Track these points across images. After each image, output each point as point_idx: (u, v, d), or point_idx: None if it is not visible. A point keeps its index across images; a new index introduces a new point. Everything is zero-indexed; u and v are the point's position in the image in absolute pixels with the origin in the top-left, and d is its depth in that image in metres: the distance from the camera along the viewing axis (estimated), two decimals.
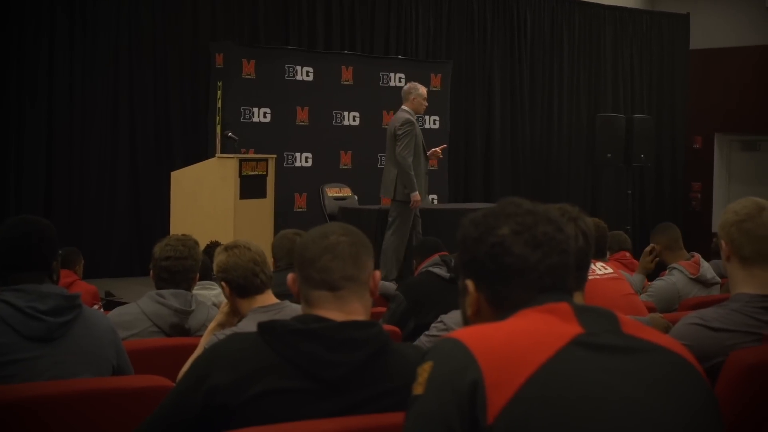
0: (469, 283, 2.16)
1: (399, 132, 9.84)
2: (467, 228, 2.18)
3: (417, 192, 9.79)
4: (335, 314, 2.57)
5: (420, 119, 13.77)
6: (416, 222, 10.19)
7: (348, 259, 2.62)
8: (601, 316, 2.07)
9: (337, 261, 2.60)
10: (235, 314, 4.25)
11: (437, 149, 10.45)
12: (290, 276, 2.70)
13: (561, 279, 2.12)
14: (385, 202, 10.50)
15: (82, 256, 8.41)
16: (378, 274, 2.71)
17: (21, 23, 11.39)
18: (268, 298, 4.20)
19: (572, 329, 1.99)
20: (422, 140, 10.08)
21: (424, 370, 1.95)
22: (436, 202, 13.52)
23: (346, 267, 2.61)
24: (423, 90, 10.14)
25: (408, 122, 9.88)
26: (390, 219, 10.07)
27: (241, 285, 4.16)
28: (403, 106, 10.09)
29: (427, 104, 10.22)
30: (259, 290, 4.17)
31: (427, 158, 10.23)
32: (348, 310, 2.60)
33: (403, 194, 9.87)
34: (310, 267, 2.61)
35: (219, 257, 4.27)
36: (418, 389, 1.95)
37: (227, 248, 4.28)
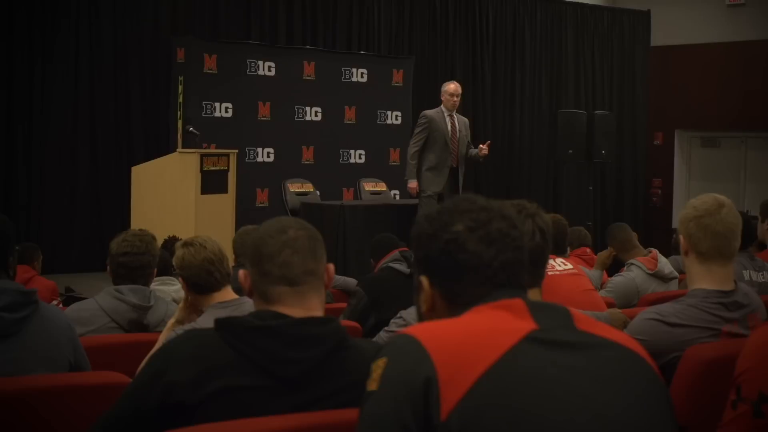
0: (424, 280, 2.16)
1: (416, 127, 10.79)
2: (422, 224, 2.17)
3: (412, 180, 10.65)
4: (296, 310, 2.55)
5: (383, 115, 13.87)
6: None
7: (308, 253, 2.61)
8: (555, 312, 2.08)
9: (298, 255, 2.59)
10: (194, 310, 4.23)
11: (483, 146, 10.71)
12: (242, 272, 2.68)
13: (515, 275, 2.12)
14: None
15: (41, 251, 8.34)
16: (332, 267, 2.71)
17: None
18: (227, 294, 4.19)
19: (526, 325, 2.00)
20: (448, 135, 10.57)
21: (378, 366, 1.95)
22: (398, 197, 13.52)
23: (307, 261, 2.60)
24: (448, 87, 10.79)
25: (422, 117, 10.77)
26: None
27: (197, 283, 4.16)
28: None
29: (454, 99, 10.70)
30: (215, 288, 4.16)
31: (450, 153, 10.58)
32: (308, 305, 2.59)
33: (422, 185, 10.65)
34: (269, 262, 2.59)
35: (177, 252, 4.27)
36: (371, 385, 1.95)
37: (185, 244, 4.27)
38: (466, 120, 10.96)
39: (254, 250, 2.64)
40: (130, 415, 2.50)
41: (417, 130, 10.69)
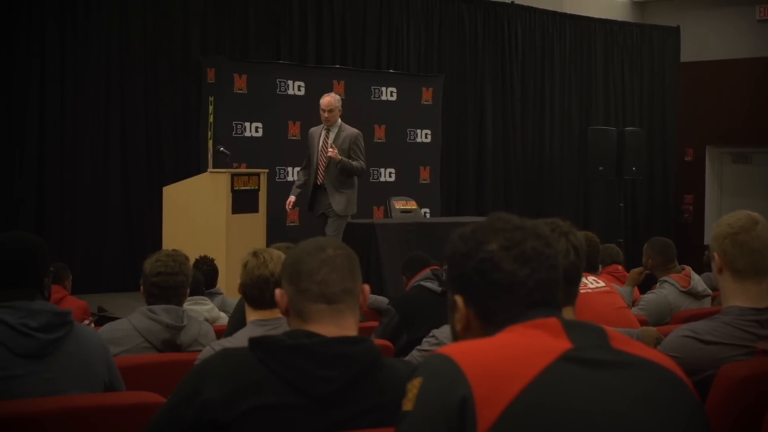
0: (458, 299, 2.16)
1: None
2: (456, 243, 2.17)
3: (290, 197, 10.57)
4: (331, 328, 2.57)
5: (413, 133, 13.85)
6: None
7: (346, 272, 2.64)
8: (590, 331, 2.07)
9: (336, 274, 2.62)
10: None
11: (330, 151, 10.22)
12: (278, 291, 2.69)
13: (550, 294, 2.12)
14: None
15: (70, 271, 8.38)
16: (367, 287, 2.72)
17: (10, 39, 11.36)
18: (271, 313, 4.15)
19: (561, 344, 1.99)
20: (317, 152, 10.30)
21: (414, 386, 1.95)
22: (428, 215, 13.51)
23: (345, 280, 2.63)
24: (321, 100, 10.45)
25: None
26: None
27: (247, 294, 4.16)
28: None
29: (325, 114, 10.31)
30: (263, 306, 4.11)
31: (316, 170, 10.33)
32: (343, 324, 2.61)
33: None
34: (307, 279, 2.61)
35: (247, 258, 4.24)
36: (407, 405, 1.94)
37: (255, 254, 4.24)
38: (353, 133, 10.38)
39: (292, 268, 2.65)
40: None
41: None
